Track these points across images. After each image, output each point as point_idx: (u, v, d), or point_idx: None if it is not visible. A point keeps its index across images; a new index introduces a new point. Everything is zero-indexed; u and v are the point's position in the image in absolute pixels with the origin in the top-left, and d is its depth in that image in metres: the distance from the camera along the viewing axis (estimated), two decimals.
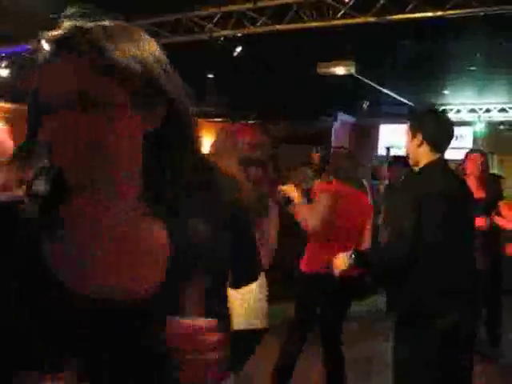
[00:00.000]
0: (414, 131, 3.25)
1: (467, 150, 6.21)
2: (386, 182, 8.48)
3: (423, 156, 3.21)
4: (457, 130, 13.36)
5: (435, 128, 3.22)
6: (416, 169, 3.30)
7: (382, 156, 14.41)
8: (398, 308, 3.26)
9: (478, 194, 4.94)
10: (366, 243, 4.40)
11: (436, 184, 3.12)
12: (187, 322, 1.05)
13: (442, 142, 3.24)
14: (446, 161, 3.32)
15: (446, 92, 12.61)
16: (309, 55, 9.03)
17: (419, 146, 3.20)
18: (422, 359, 3.02)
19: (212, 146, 2.68)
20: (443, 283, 3.03)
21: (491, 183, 5.77)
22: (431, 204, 3.01)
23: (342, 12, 6.96)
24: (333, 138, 15.12)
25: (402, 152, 9.21)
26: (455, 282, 3.06)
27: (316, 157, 8.24)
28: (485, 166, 5.74)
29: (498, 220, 4.63)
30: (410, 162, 3.36)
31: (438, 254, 3.02)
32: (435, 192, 3.06)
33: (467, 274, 3.16)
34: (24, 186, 1.20)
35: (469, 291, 3.13)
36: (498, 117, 13.71)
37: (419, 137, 3.20)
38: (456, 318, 3.01)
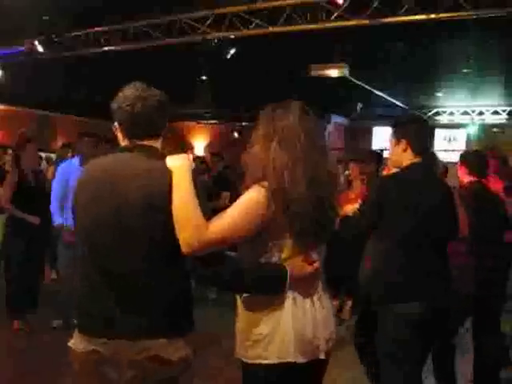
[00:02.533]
0: (398, 138, 3.48)
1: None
2: None
3: (406, 159, 3.44)
4: (450, 133, 13.36)
5: (419, 136, 3.46)
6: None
7: None
8: (373, 292, 3.46)
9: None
10: None
11: (411, 178, 3.38)
12: None
13: (425, 146, 3.51)
14: (427, 164, 3.58)
15: (439, 94, 12.65)
16: (302, 57, 9.05)
17: (404, 150, 3.44)
18: (392, 340, 3.28)
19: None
20: (410, 273, 3.26)
21: None
22: (401, 196, 3.30)
23: (336, 15, 6.97)
24: (326, 140, 15.15)
25: None
26: (420, 275, 3.27)
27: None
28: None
29: None
30: (392, 164, 3.62)
31: (404, 245, 3.29)
32: (407, 184, 3.35)
33: (437, 267, 3.34)
34: None
35: (435, 286, 3.30)
36: (491, 119, 13.78)
37: (404, 143, 3.43)
38: (423, 308, 3.22)
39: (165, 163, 2.25)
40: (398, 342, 3.25)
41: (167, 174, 2.21)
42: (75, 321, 2.38)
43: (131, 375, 2.21)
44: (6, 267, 6.51)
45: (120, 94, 2.35)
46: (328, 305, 2.50)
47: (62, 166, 6.46)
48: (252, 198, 2.28)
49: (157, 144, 2.39)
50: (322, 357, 2.40)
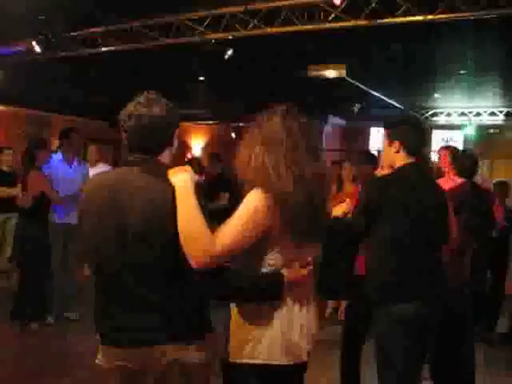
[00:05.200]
0: (391, 139, 3.47)
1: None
2: None
3: (400, 160, 3.43)
4: (447, 134, 13.42)
5: (412, 136, 3.44)
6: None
7: None
8: (367, 293, 3.47)
9: None
10: None
11: (405, 179, 3.38)
12: None
13: (418, 147, 3.47)
14: (420, 164, 3.52)
15: (436, 95, 12.66)
16: (300, 58, 9.05)
17: (397, 152, 3.43)
18: (388, 340, 3.29)
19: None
20: (404, 274, 3.26)
21: None
22: (396, 196, 3.28)
23: (333, 15, 6.97)
24: (323, 140, 15.15)
25: None
26: (414, 276, 3.27)
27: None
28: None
29: None
30: (386, 165, 3.61)
31: (399, 245, 3.28)
32: (402, 186, 3.34)
33: (429, 270, 3.34)
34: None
35: (429, 287, 3.31)
36: (488, 120, 13.79)
37: (397, 144, 3.42)
38: (417, 309, 3.23)
39: (167, 178, 2.27)
40: (392, 342, 3.26)
41: (169, 190, 2.23)
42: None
43: (154, 382, 2.26)
44: (21, 272, 6.48)
45: (127, 107, 2.36)
46: (313, 307, 2.55)
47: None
48: (253, 207, 2.31)
49: (162, 157, 2.40)
50: (305, 358, 2.48)
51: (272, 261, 2.38)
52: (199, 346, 2.29)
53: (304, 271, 2.42)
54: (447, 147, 5.36)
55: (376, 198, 3.35)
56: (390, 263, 3.30)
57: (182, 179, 2.26)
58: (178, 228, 2.19)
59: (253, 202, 2.31)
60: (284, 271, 2.37)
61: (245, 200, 2.34)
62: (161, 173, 2.30)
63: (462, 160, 4.99)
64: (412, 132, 3.46)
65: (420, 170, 3.48)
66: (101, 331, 2.38)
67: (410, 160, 3.41)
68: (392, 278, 3.28)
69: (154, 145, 2.38)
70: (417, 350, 3.32)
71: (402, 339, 3.24)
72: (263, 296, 2.38)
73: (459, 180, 4.82)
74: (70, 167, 6.53)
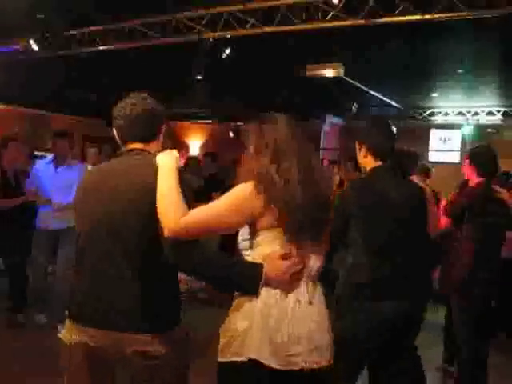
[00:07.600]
0: (359, 144, 3.54)
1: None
2: None
3: (369, 164, 3.51)
4: (445, 133, 13.39)
5: (377, 141, 3.50)
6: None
7: None
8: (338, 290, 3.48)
9: None
10: None
11: (374, 183, 3.43)
12: None
13: (385, 151, 3.51)
14: (392, 167, 3.56)
15: (434, 95, 12.65)
16: (298, 57, 9.04)
17: (365, 156, 3.51)
18: (354, 337, 3.29)
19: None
20: (379, 275, 3.29)
21: None
22: (361, 200, 3.36)
23: (332, 14, 6.97)
24: (322, 140, 15.15)
25: None
26: (389, 275, 3.30)
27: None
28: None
29: None
30: (362, 169, 3.66)
31: (370, 247, 3.33)
32: (370, 189, 3.41)
33: (407, 269, 3.36)
34: None
35: (405, 287, 3.33)
36: (486, 120, 13.78)
37: (364, 148, 3.50)
38: (389, 308, 3.27)
39: (152, 160, 2.40)
40: (359, 340, 3.31)
41: (153, 169, 2.35)
42: (66, 312, 2.50)
43: (117, 368, 2.36)
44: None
45: (119, 102, 2.58)
46: (322, 310, 2.48)
47: (36, 164, 6.57)
48: (240, 191, 2.36)
49: (149, 148, 2.58)
50: (303, 366, 2.32)
51: (267, 250, 2.39)
52: (166, 339, 2.34)
53: (285, 264, 2.34)
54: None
55: (346, 204, 3.38)
56: (364, 265, 3.34)
57: (165, 160, 2.37)
58: (157, 200, 2.26)
59: (240, 187, 2.37)
60: (265, 265, 2.33)
61: (231, 190, 2.39)
62: (148, 160, 2.44)
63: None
64: (377, 136, 3.51)
65: (389, 172, 3.50)
66: (73, 310, 2.45)
67: (378, 163, 3.47)
68: (366, 279, 3.30)
69: (145, 132, 2.57)
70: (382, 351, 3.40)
71: (365, 337, 3.31)
72: (238, 285, 2.39)
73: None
74: (56, 170, 6.29)
